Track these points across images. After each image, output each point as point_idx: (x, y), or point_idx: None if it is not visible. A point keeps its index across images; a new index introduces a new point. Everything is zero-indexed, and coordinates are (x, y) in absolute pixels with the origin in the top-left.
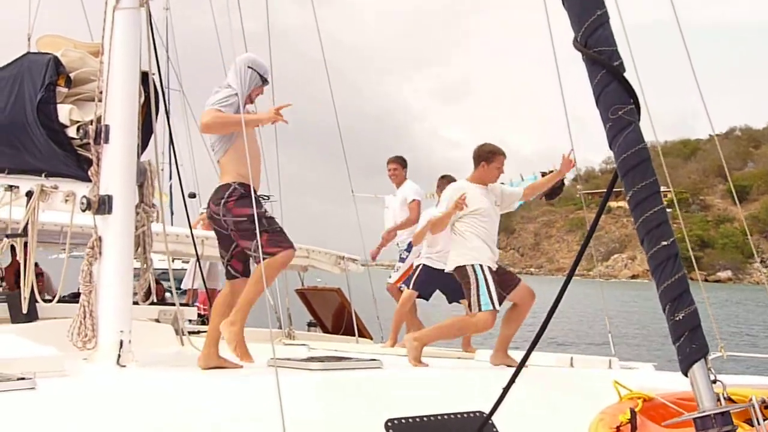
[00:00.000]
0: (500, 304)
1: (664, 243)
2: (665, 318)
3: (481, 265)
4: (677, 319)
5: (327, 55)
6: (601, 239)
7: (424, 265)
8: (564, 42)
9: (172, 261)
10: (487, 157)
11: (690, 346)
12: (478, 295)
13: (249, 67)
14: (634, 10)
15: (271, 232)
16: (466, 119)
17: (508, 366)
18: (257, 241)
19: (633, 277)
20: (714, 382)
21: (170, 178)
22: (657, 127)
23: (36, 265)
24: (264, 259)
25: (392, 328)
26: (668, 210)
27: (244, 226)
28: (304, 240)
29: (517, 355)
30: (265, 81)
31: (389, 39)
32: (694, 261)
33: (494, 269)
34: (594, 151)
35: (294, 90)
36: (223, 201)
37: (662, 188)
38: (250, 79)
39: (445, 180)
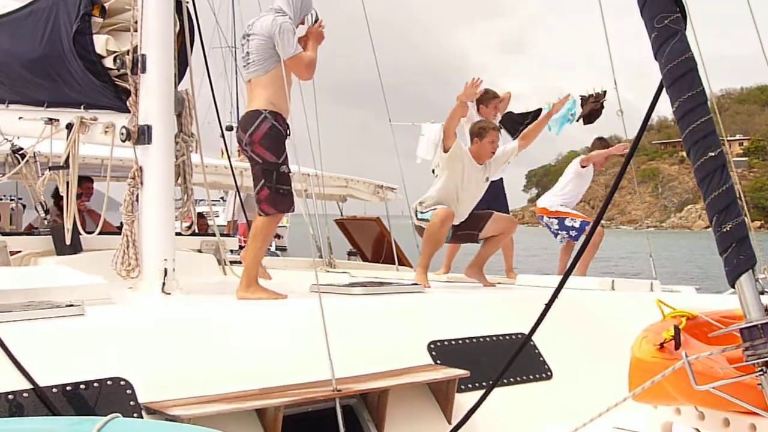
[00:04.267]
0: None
1: (711, 154)
2: (712, 230)
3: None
4: (724, 230)
5: (386, 16)
6: (674, 190)
7: None
8: None
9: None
10: (479, 133)
11: (737, 257)
12: None
13: None
14: None
15: (274, 191)
16: (525, 71)
17: (484, 284)
18: (258, 192)
19: (707, 227)
20: (762, 293)
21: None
22: (731, 72)
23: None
24: (260, 215)
25: (446, 255)
26: (745, 158)
27: (255, 169)
28: (344, 164)
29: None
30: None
31: None
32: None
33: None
34: (666, 100)
35: (343, 43)
36: (250, 131)
37: (738, 136)
38: (302, 6)
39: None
